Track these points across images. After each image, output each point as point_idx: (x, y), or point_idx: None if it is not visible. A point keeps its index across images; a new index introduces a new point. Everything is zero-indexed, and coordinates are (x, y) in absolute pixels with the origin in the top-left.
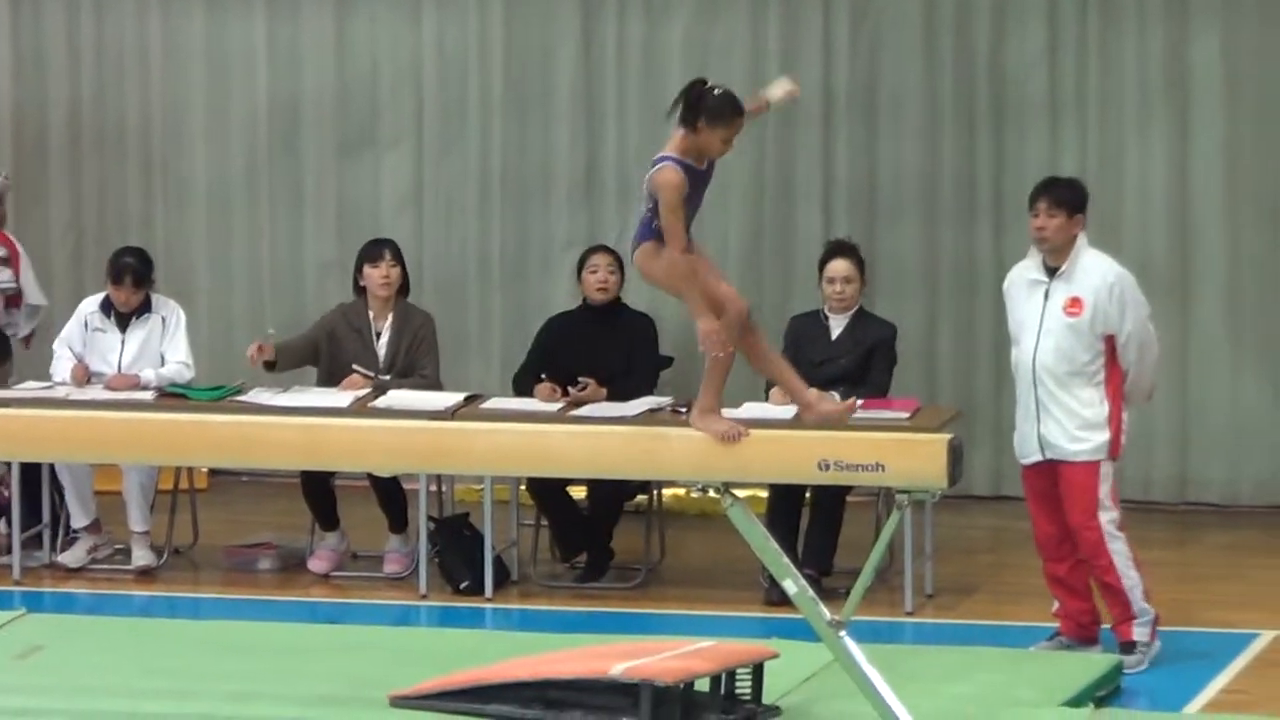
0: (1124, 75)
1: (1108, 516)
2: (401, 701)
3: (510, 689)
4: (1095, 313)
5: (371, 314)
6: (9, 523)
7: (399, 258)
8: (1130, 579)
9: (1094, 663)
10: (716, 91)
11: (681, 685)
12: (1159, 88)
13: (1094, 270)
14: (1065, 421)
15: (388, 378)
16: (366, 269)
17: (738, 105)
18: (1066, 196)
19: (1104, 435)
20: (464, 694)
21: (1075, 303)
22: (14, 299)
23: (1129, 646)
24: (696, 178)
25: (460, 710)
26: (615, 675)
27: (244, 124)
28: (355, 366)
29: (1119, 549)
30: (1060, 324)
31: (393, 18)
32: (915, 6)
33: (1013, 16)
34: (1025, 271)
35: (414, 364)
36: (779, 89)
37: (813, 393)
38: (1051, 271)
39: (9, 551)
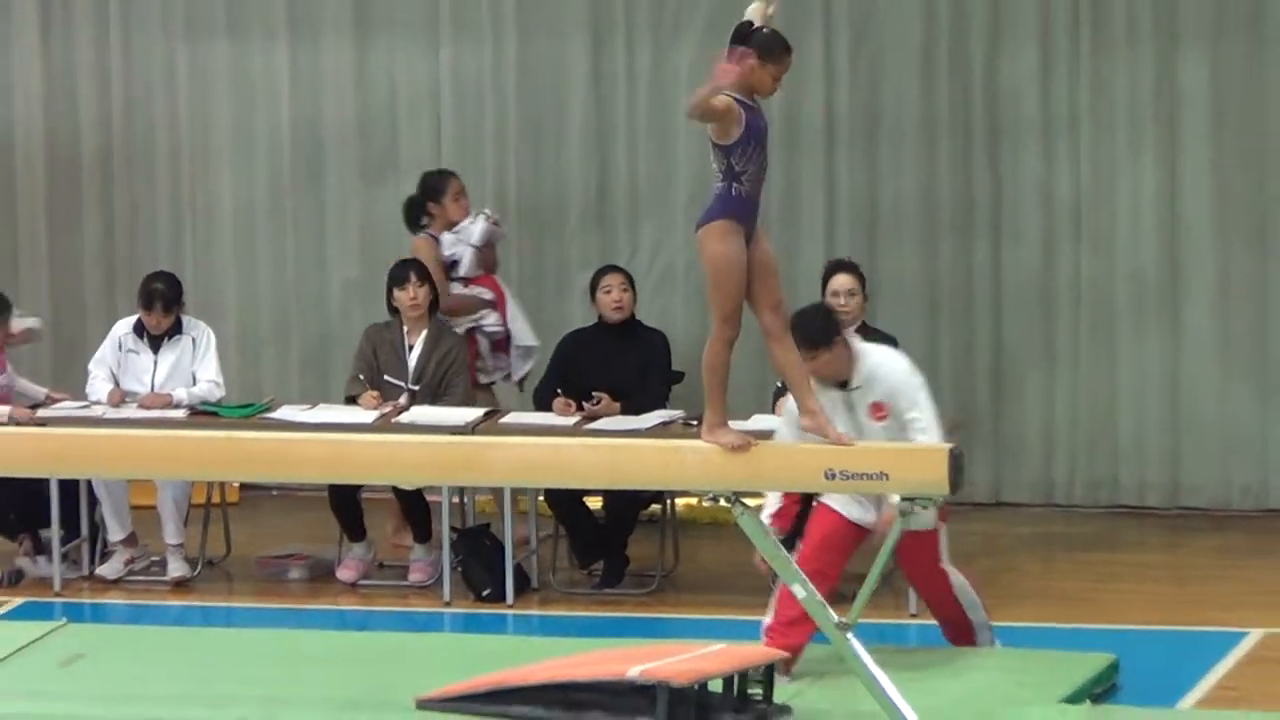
0: (1115, 96)
1: (951, 569)
2: (428, 704)
3: (533, 691)
4: (895, 410)
5: (405, 329)
6: (34, 535)
7: (425, 277)
8: (973, 605)
9: (1091, 661)
10: (765, 30)
11: (696, 686)
12: (1149, 108)
13: (879, 371)
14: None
15: (416, 389)
16: (395, 291)
17: (787, 44)
18: (814, 335)
19: (933, 512)
20: (489, 696)
21: (879, 407)
22: (501, 342)
23: None
24: (753, 116)
25: (485, 712)
26: (632, 677)
27: (268, 150)
28: (387, 377)
29: (961, 584)
30: (875, 430)
31: (411, 47)
32: (913, 30)
33: (1006, 38)
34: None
35: (445, 384)
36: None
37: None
38: (842, 383)
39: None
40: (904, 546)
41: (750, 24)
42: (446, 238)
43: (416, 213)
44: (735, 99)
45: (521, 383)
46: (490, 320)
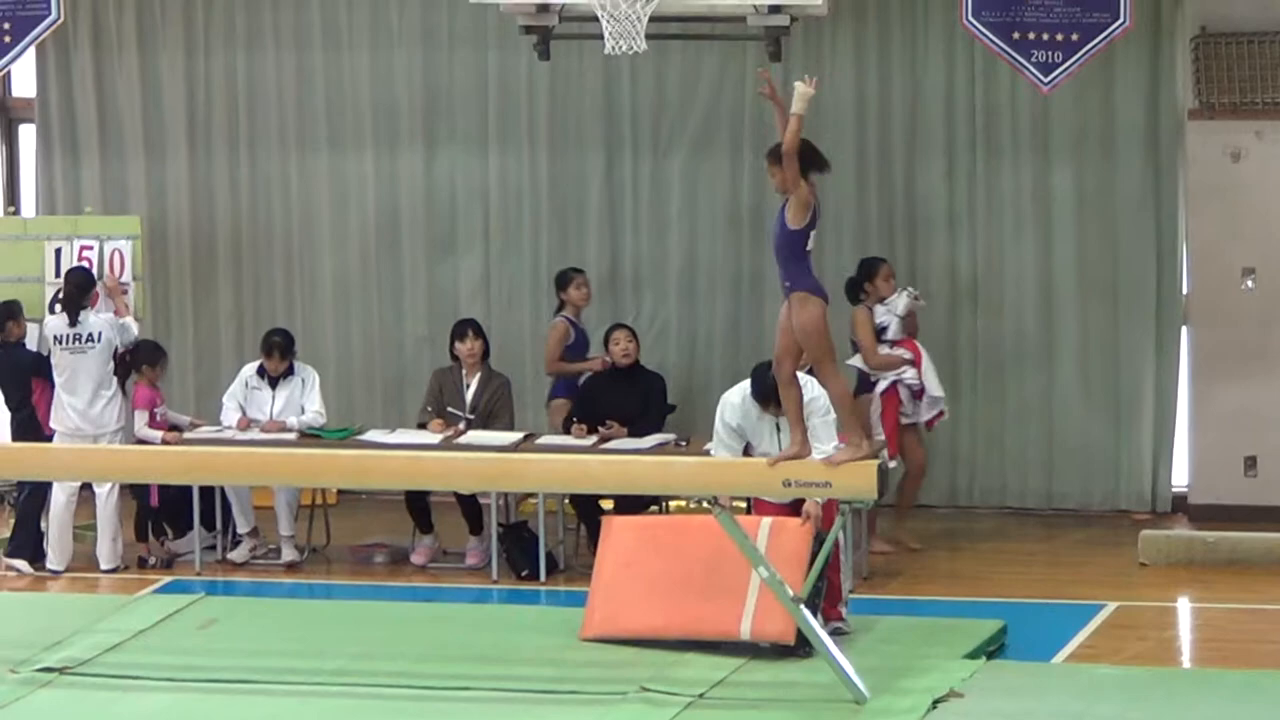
0: (1003, 196)
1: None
2: (591, 640)
3: None
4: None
5: (464, 372)
6: (155, 529)
7: (479, 333)
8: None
9: (985, 626)
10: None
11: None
12: (1028, 205)
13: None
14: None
15: (472, 417)
16: (456, 344)
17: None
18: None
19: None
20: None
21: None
22: (919, 393)
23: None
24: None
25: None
26: (744, 637)
27: (358, 234)
28: (449, 408)
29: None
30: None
31: (467, 155)
32: (850, 146)
33: (920, 152)
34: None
35: (494, 414)
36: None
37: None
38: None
39: (163, 550)
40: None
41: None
42: (879, 309)
43: (855, 289)
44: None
45: (930, 424)
46: (909, 375)
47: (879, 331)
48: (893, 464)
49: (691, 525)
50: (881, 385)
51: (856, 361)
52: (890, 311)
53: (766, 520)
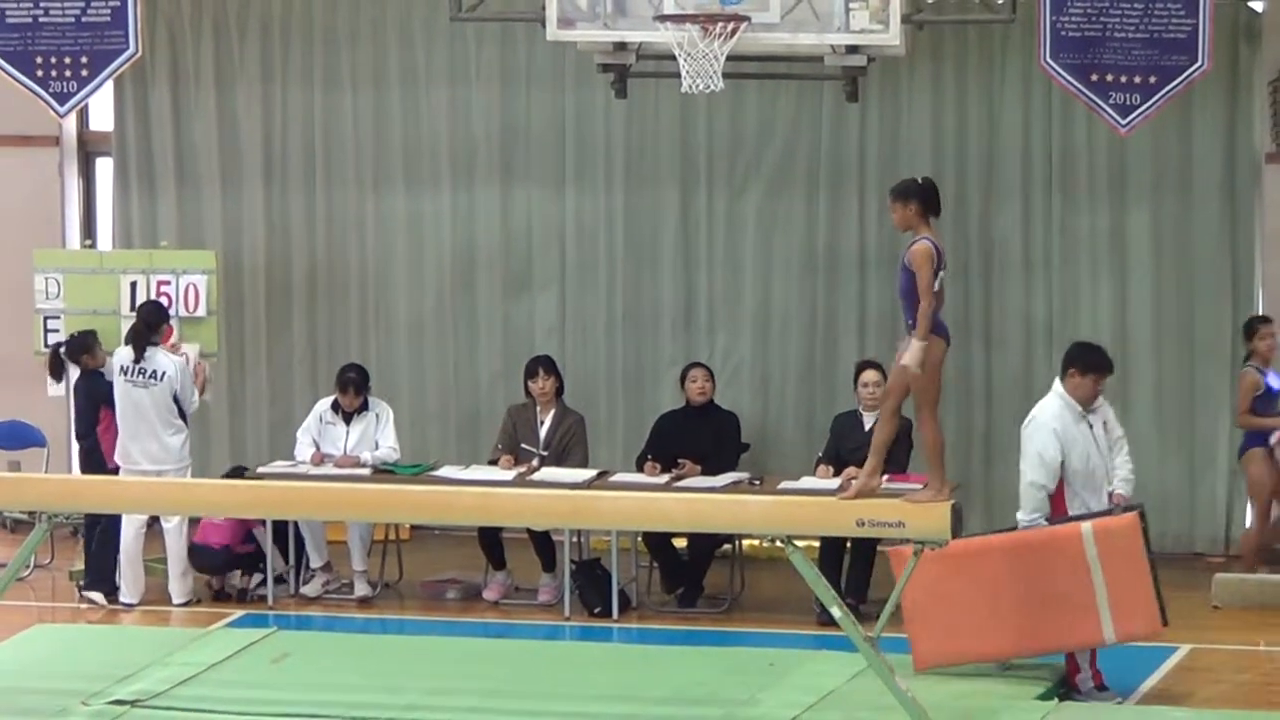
0: (1079, 239)
1: None
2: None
3: None
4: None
5: (538, 409)
6: (239, 566)
7: (552, 370)
8: None
9: (1059, 667)
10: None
11: None
12: (1105, 249)
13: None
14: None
15: (545, 454)
16: (529, 382)
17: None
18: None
19: None
20: None
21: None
22: None
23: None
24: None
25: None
26: (1110, 640)
27: (434, 271)
28: (523, 445)
29: None
30: (1104, 443)
31: (543, 193)
32: None
33: (996, 196)
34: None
35: (568, 451)
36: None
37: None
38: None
39: (238, 593)
40: None
41: (914, 180)
42: None
43: None
44: (932, 244)
45: None
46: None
47: None
48: None
49: (991, 546)
50: None
51: None
52: None
53: (1087, 526)
